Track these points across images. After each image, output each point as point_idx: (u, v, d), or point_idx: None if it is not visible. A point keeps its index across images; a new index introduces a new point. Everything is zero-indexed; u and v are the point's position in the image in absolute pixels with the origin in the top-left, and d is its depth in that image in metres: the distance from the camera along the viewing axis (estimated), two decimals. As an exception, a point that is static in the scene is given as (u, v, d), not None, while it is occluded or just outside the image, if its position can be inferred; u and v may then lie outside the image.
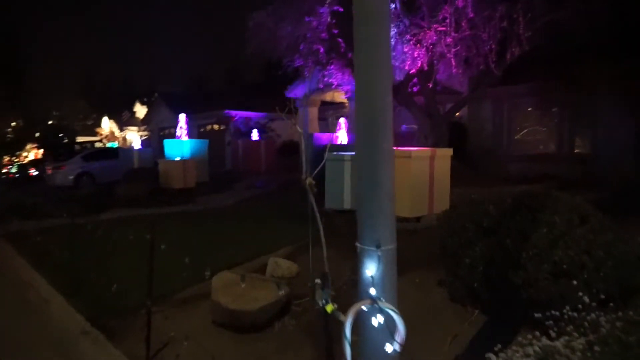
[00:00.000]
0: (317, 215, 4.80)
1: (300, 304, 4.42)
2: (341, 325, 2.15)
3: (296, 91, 19.70)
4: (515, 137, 14.58)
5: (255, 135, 19.88)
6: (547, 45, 9.64)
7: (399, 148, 6.86)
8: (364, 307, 2.19)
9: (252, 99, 24.47)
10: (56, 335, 4.36)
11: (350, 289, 4.74)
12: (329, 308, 2.37)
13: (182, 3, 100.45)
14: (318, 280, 4.65)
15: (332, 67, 12.08)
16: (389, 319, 2.15)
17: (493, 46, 7.55)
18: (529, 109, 14.35)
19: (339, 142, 14.35)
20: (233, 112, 20.99)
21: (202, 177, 14.68)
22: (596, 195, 7.90)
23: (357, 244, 2.31)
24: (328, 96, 20.06)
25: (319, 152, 14.26)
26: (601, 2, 10.23)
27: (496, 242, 3.74)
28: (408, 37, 7.79)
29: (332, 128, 23.15)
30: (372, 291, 2.16)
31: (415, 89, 10.79)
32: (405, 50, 7.93)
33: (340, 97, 20.09)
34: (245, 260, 5.87)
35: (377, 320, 2.16)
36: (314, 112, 20.23)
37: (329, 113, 23.27)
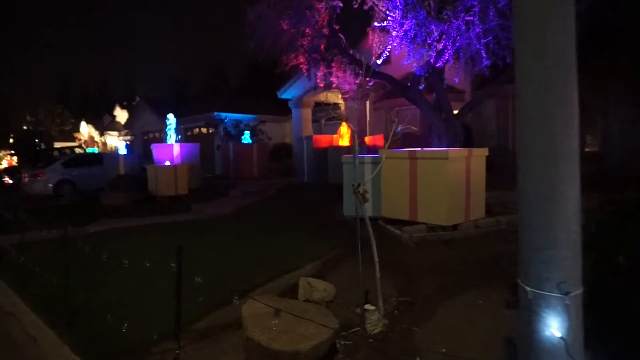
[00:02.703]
0: (370, 230, 4.06)
1: (350, 336, 3.67)
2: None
3: (289, 92, 18.95)
4: (521, 137, 14.14)
5: (247, 138, 19.01)
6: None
7: (433, 149, 6.19)
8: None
9: (241, 101, 23.62)
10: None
11: (405, 313, 4.02)
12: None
13: (159, 6, 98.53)
14: (369, 306, 3.93)
15: (334, 64, 11.45)
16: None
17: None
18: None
19: (340, 145, 13.60)
20: (223, 114, 20.05)
21: (194, 184, 13.78)
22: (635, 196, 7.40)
23: (526, 287, 1.55)
24: (322, 97, 19.37)
25: (319, 155, 13.54)
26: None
27: (602, 260, 3.06)
28: (432, 27, 7.13)
29: (325, 130, 22.46)
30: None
31: (421, 86, 10.19)
32: (429, 42, 7.28)
33: (335, 97, 19.42)
34: (267, 280, 5.08)
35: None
36: (307, 113, 19.51)
37: (320, 115, 22.56)
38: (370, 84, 13.15)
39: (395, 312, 4.03)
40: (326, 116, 22.92)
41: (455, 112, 10.49)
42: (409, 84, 10.74)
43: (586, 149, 12.74)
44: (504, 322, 3.73)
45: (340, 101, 19.79)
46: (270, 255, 6.06)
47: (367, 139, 14.07)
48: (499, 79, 9.69)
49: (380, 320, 3.75)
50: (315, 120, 21.74)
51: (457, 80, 8.46)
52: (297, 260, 5.65)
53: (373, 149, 12.86)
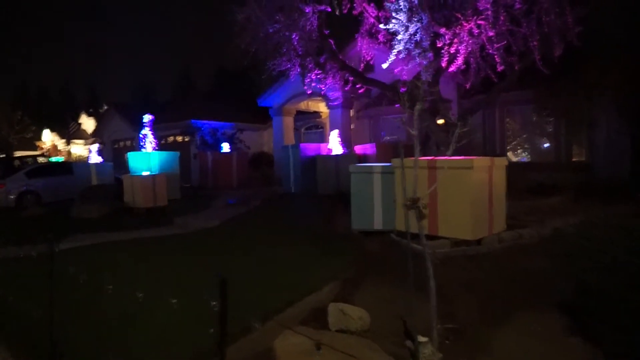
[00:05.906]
0: (428, 253, 3.57)
1: (403, 374, 3.16)
2: None
3: (270, 99, 18.37)
4: (508, 147, 14.09)
5: (226, 147, 18.26)
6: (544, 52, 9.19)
7: (456, 157, 5.80)
8: None
9: (217, 109, 22.83)
10: None
11: (456, 344, 3.55)
12: None
13: (122, 11, 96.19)
14: (422, 338, 3.43)
15: (324, 69, 11.05)
16: None
17: (535, 42, 6.73)
18: (523, 116, 13.92)
19: (331, 153, 13.11)
20: (200, 122, 19.22)
21: (173, 194, 12.97)
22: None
23: None
24: (302, 105, 18.89)
25: (307, 163, 13.03)
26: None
27: None
28: (443, 30, 6.79)
29: (305, 138, 21.95)
30: None
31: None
32: (439, 45, 6.94)
33: (316, 106, 18.98)
34: (284, 304, 4.49)
35: None
36: (289, 121, 18.96)
37: (299, 123, 22.07)
38: (360, 91, 12.82)
39: (446, 342, 3.55)
40: (306, 125, 22.47)
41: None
42: (401, 91, 10.45)
43: (573, 159, 12.79)
44: (573, 354, 3.32)
45: (322, 110, 19.37)
46: (278, 274, 5.46)
47: (358, 149, 13.68)
48: (498, 86, 9.51)
49: (435, 353, 3.26)
50: (294, 129, 21.24)
51: (467, 86, 8.14)
52: (312, 280, 5.09)
53: (363, 159, 12.47)
